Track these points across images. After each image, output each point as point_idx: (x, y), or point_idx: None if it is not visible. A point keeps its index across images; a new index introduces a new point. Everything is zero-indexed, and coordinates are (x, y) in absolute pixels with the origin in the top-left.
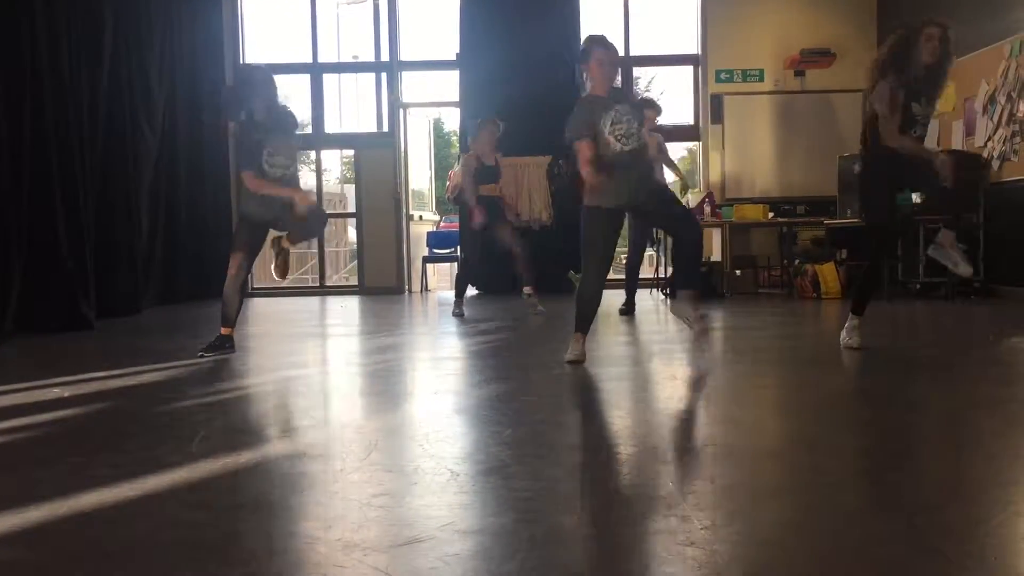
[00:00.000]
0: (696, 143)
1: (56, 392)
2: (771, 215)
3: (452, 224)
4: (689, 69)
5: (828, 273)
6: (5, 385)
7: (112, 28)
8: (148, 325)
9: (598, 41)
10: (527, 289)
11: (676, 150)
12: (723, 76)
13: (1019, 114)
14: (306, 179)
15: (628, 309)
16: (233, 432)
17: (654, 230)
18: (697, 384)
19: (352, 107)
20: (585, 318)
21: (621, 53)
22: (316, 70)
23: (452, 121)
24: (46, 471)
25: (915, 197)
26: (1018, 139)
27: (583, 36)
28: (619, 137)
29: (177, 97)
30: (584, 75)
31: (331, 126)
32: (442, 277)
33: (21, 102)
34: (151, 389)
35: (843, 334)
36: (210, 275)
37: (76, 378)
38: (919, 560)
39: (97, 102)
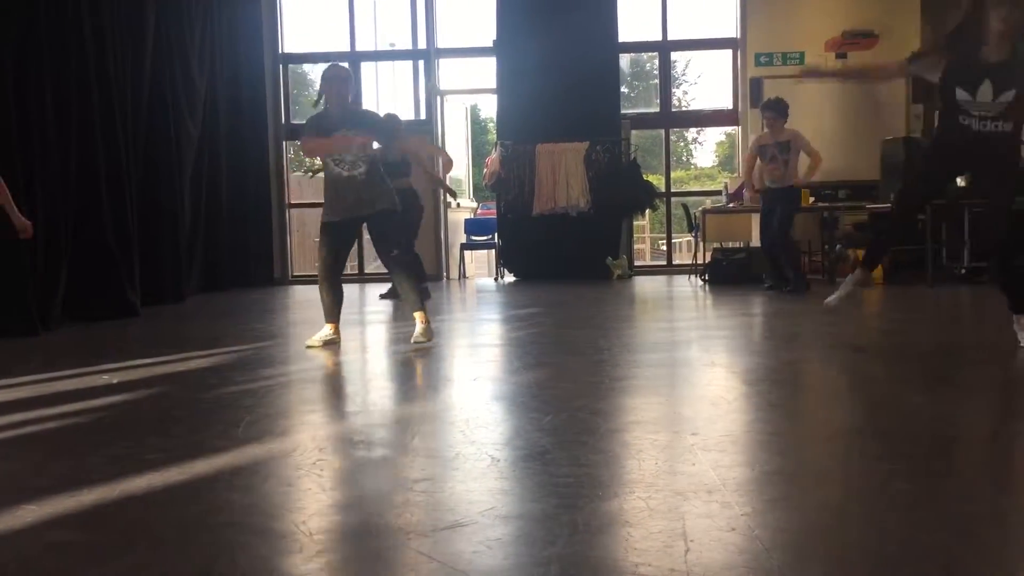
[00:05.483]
0: (735, 127)
1: (105, 378)
2: (812, 200)
3: (489, 211)
4: (728, 53)
5: None
6: (55, 372)
7: (155, 20)
8: (192, 312)
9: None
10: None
11: (714, 134)
12: (763, 59)
13: None
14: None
15: (775, 284)
16: (277, 417)
17: (693, 214)
18: (737, 370)
19: (389, 95)
20: None
21: (658, 37)
22: (354, 58)
23: (489, 108)
24: (98, 456)
25: (959, 180)
26: None
27: (620, 21)
28: (337, 162)
29: (218, 87)
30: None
31: None
32: (479, 264)
33: (68, 95)
34: (197, 375)
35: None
36: (251, 263)
37: (124, 364)
38: (964, 548)
39: (140, 94)
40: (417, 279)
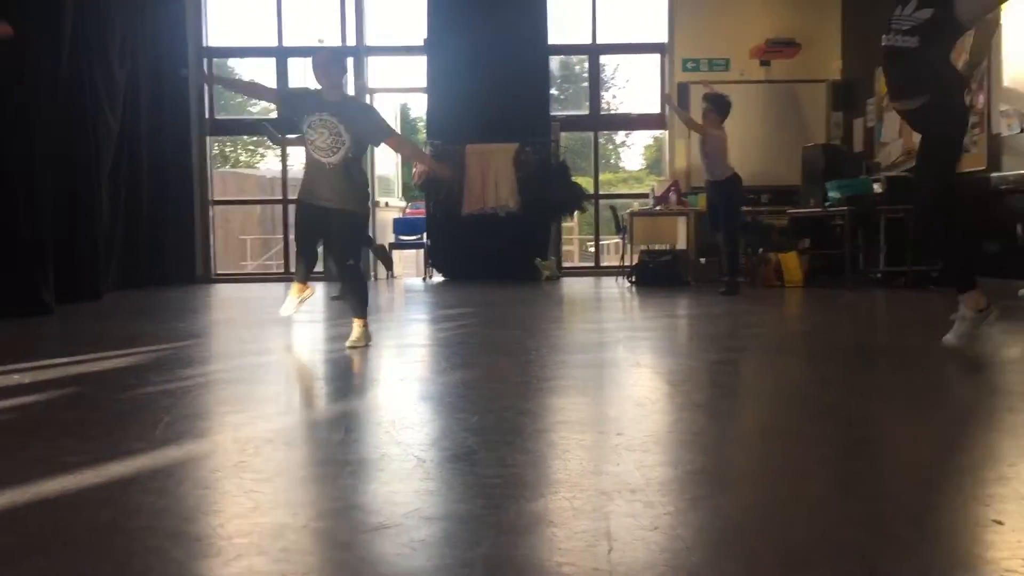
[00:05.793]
0: (663, 131)
1: (16, 378)
2: None
3: (418, 211)
4: (656, 57)
5: (791, 262)
6: None
7: (73, 11)
8: (109, 310)
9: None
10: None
11: (642, 138)
12: (689, 65)
13: (977, 106)
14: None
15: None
16: (197, 419)
17: (621, 217)
18: (661, 371)
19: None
20: None
21: (588, 40)
22: (281, 54)
23: (419, 107)
24: (8, 459)
25: (876, 187)
26: (976, 130)
27: (550, 23)
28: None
29: (139, 81)
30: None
31: None
32: (408, 264)
33: None
34: (113, 375)
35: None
36: (171, 260)
37: (36, 364)
38: (878, 545)
39: (57, 86)
40: (364, 289)
